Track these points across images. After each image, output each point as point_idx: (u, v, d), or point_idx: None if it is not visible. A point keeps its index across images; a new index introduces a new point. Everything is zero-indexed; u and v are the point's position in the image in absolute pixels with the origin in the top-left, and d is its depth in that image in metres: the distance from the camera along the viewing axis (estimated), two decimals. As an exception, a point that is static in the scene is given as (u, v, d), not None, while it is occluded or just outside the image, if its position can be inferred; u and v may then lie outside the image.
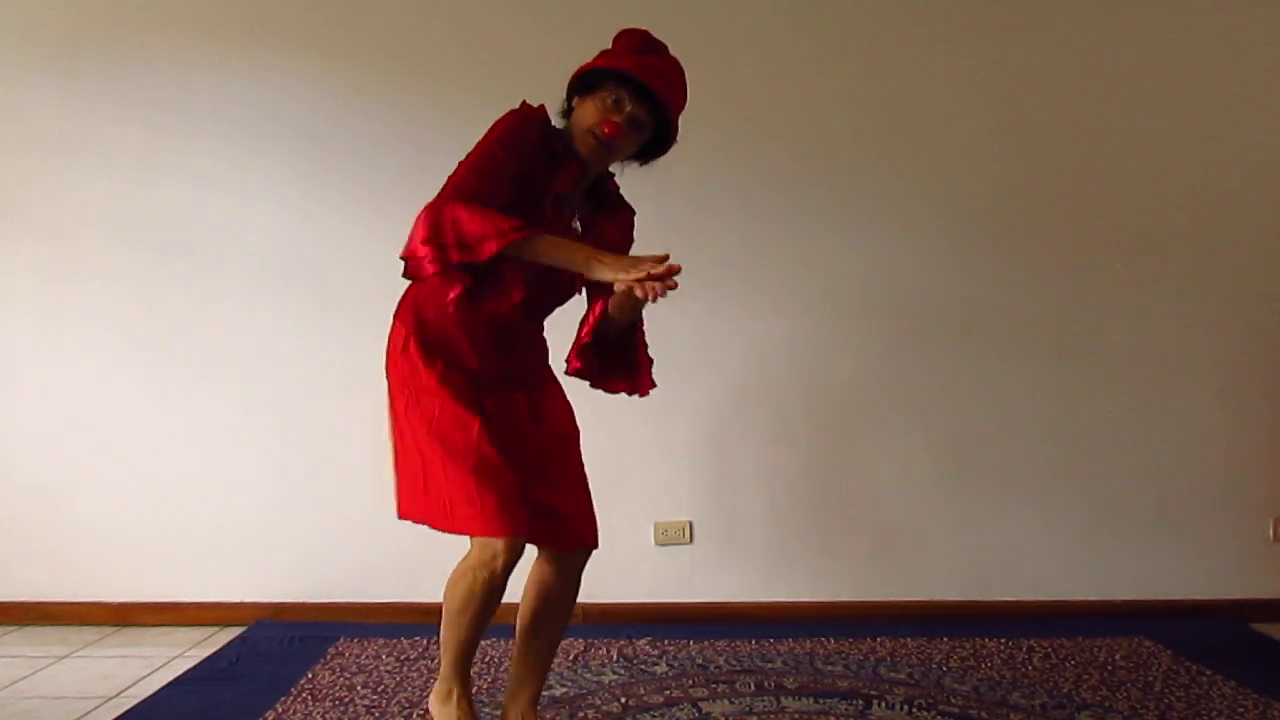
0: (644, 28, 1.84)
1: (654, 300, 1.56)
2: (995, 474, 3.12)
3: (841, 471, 3.10)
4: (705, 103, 3.07)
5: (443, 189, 1.69)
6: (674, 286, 1.55)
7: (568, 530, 1.91)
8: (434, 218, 1.62)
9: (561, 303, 1.94)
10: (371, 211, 3.09)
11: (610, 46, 1.84)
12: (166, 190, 3.08)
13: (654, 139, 1.87)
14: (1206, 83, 3.12)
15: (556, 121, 1.86)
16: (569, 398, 1.98)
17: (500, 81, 3.08)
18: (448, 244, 1.61)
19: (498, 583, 1.74)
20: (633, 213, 1.99)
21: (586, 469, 1.98)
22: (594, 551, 1.95)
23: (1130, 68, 3.12)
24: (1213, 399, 3.13)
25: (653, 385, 1.95)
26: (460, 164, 1.73)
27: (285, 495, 3.07)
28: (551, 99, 1.84)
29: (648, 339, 1.98)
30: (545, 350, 1.99)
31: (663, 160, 1.93)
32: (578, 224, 1.89)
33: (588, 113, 1.80)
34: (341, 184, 3.08)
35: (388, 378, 1.85)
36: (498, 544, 1.71)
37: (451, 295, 1.76)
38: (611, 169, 1.94)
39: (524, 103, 1.83)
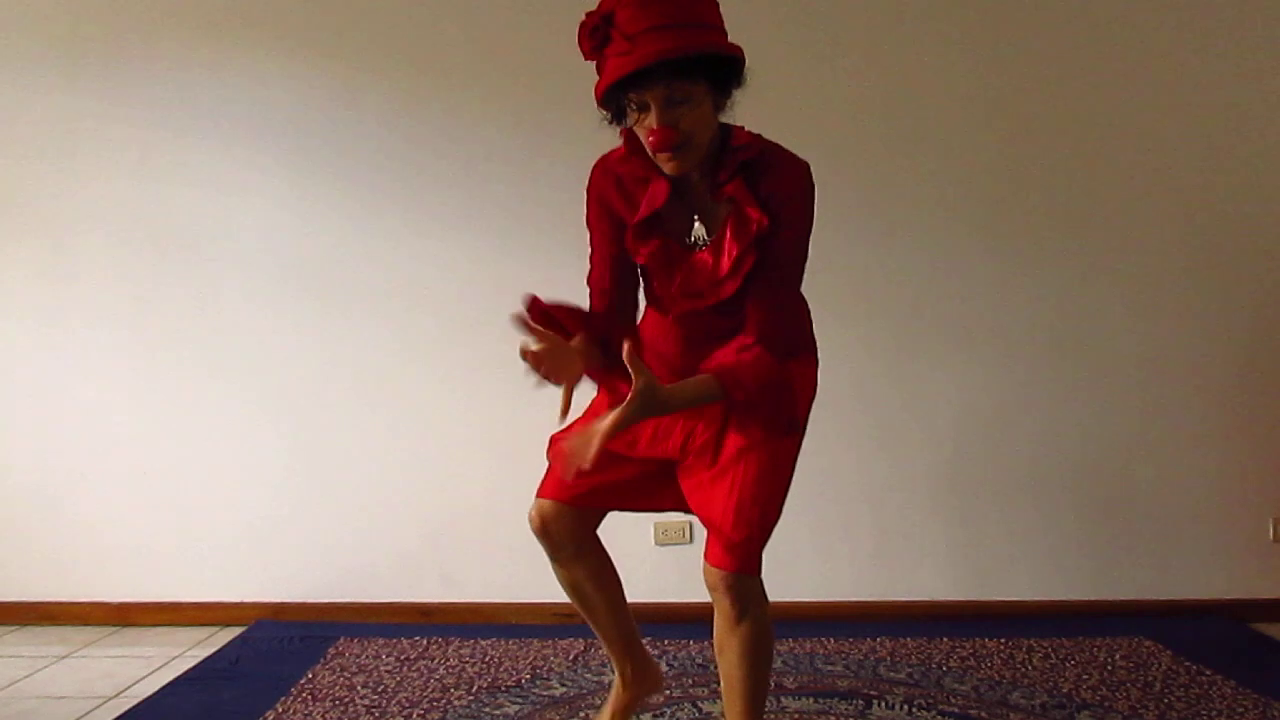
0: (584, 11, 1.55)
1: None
2: (995, 473, 3.12)
3: (841, 471, 3.09)
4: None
5: None
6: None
7: (708, 537, 1.75)
8: None
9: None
10: (372, 210, 3.09)
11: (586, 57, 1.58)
12: (166, 190, 3.08)
13: (719, 72, 1.58)
14: (1208, 82, 3.11)
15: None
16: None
17: (500, 79, 3.12)
18: None
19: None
20: (785, 183, 1.63)
21: None
22: (738, 577, 1.70)
23: (1132, 68, 3.11)
24: (1212, 398, 3.13)
25: None
26: None
27: (285, 495, 3.07)
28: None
29: None
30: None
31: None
32: (699, 230, 1.68)
33: (640, 135, 1.58)
34: (341, 183, 3.08)
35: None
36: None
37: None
38: (739, 142, 1.65)
39: (600, 159, 1.72)
